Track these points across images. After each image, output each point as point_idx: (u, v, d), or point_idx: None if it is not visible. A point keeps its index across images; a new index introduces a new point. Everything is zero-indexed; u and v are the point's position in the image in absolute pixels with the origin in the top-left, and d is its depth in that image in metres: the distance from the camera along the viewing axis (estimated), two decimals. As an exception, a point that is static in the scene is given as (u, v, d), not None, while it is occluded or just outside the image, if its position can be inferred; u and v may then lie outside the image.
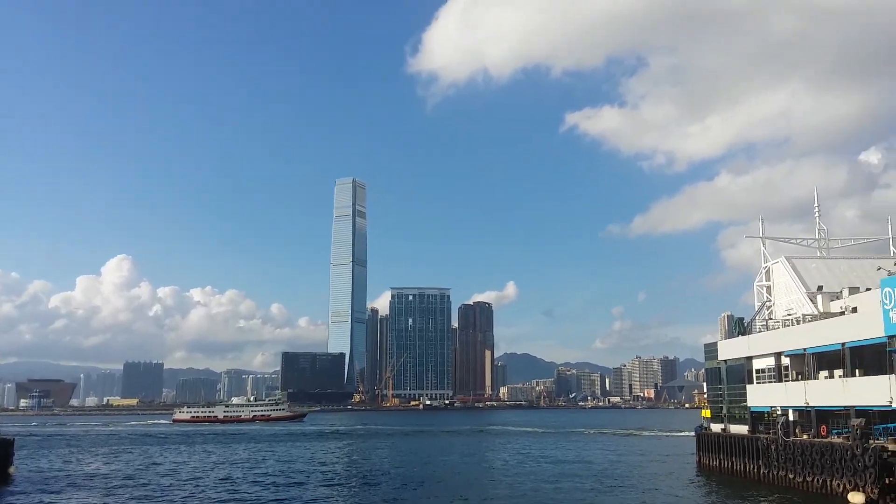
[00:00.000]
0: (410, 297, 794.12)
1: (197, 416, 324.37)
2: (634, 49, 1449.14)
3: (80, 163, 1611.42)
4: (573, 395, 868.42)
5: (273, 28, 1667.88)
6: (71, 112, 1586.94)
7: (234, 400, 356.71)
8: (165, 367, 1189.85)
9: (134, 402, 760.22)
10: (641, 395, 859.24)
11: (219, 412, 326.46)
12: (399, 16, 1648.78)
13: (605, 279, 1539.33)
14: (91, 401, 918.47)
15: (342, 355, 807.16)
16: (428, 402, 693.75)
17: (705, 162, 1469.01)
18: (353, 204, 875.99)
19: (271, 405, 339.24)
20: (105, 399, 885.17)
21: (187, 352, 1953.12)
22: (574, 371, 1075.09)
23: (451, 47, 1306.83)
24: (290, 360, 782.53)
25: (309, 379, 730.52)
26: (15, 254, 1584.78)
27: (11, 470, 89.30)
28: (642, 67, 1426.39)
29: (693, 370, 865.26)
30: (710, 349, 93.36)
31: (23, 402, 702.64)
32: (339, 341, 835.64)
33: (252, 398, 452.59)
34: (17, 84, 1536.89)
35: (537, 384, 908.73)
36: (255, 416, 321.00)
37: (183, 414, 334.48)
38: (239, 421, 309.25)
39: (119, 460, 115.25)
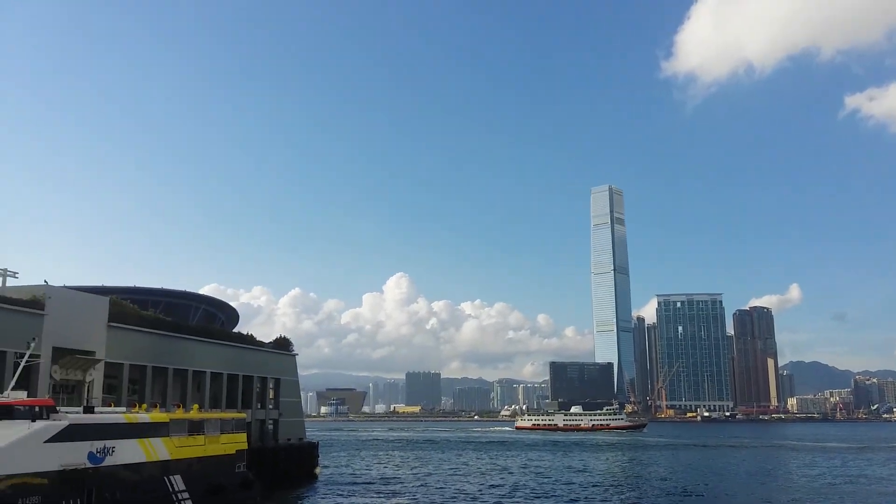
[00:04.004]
0: (678, 304, 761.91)
1: (537, 425, 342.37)
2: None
3: (356, 200, 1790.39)
4: (876, 406, 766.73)
5: (533, 41, 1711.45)
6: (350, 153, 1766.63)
7: (574, 409, 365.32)
8: (442, 376, 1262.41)
9: (417, 409, 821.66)
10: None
11: (558, 420, 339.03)
12: (648, 20, 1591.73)
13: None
14: (380, 408, 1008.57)
15: (610, 365, 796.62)
16: (706, 414, 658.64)
17: None
18: (611, 211, 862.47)
19: (610, 414, 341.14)
20: (391, 406, 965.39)
21: (461, 362, 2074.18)
22: (875, 380, 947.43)
23: (708, 45, 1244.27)
24: (558, 369, 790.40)
25: (578, 389, 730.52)
26: (312, 277, 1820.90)
27: (317, 471, 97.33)
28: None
29: None
30: None
31: (323, 409, 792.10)
32: (605, 351, 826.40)
33: (524, 407, 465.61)
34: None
35: (831, 395, 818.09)
36: (594, 424, 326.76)
37: (524, 422, 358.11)
38: (578, 429, 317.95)
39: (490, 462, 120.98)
